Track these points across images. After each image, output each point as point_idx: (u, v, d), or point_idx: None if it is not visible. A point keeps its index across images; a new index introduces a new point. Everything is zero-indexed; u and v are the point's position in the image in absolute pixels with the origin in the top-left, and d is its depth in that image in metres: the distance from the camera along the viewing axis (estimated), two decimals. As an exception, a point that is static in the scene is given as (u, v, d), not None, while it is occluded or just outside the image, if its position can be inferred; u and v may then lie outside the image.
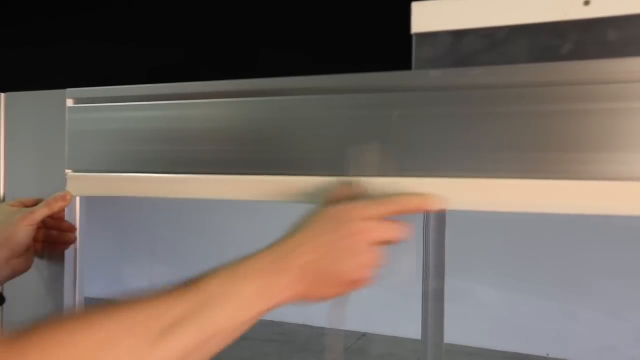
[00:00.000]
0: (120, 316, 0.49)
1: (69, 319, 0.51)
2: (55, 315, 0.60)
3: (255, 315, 0.53)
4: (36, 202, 0.86)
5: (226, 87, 0.81)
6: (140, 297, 0.52)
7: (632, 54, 0.64)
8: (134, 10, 2.98)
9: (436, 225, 0.80)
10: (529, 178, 0.65)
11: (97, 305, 0.51)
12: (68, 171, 0.90)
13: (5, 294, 0.93)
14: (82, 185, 0.89)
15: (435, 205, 0.63)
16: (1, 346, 0.46)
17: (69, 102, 0.91)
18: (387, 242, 0.60)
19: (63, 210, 0.88)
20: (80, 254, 0.92)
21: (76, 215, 0.90)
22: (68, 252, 0.91)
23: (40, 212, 0.83)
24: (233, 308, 0.52)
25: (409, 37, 0.75)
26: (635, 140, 0.61)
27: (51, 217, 0.86)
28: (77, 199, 0.90)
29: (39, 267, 0.91)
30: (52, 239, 0.89)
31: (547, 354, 3.90)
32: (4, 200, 0.95)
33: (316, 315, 4.45)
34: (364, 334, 4.33)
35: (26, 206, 0.85)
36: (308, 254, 0.55)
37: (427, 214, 0.79)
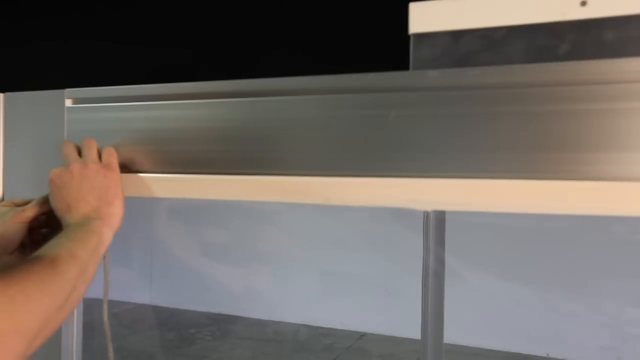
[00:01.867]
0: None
1: None
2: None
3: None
4: (27, 203, 0.85)
5: (225, 88, 0.81)
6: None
7: (630, 55, 0.64)
8: (134, 10, 2.99)
9: (436, 225, 0.80)
10: (528, 179, 0.65)
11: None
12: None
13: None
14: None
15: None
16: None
17: (68, 102, 0.91)
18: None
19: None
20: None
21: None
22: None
23: (32, 210, 0.82)
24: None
25: (406, 38, 0.75)
26: (634, 140, 0.61)
27: (45, 216, 0.85)
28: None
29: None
30: (47, 239, 0.88)
31: (547, 354, 3.90)
32: (2, 200, 0.95)
33: (316, 316, 4.45)
34: (364, 334, 4.33)
35: (18, 206, 0.85)
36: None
37: (427, 214, 0.79)
